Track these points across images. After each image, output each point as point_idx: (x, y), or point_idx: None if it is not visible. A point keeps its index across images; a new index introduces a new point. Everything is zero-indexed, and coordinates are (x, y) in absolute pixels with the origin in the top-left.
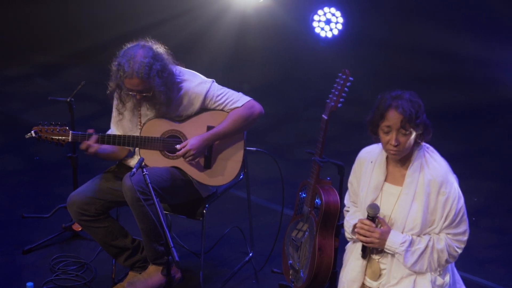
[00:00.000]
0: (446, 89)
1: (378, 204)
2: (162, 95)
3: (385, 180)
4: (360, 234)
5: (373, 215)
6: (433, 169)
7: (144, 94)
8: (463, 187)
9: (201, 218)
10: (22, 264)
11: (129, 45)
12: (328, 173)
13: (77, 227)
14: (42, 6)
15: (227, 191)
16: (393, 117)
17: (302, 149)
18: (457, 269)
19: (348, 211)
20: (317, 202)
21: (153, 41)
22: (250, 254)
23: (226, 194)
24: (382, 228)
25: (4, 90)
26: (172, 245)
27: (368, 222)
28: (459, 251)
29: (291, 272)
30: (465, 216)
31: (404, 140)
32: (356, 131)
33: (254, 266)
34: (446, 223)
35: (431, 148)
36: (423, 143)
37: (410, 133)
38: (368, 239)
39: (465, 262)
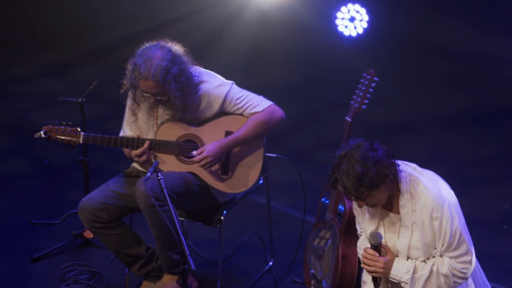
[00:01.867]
0: (475, 89)
1: (382, 233)
2: (178, 100)
3: (385, 208)
4: (365, 263)
5: (375, 244)
6: (421, 195)
7: (158, 98)
8: (493, 192)
9: (218, 225)
10: (31, 272)
11: (147, 44)
12: None
13: (88, 234)
14: (51, 4)
15: (246, 197)
16: (341, 190)
17: (324, 153)
18: (487, 279)
19: (361, 235)
20: (340, 208)
21: (172, 42)
22: (270, 263)
23: (245, 200)
24: (386, 257)
25: (13, 90)
26: (188, 254)
27: (371, 251)
28: (467, 271)
29: (313, 282)
30: (464, 236)
31: (367, 201)
32: (381, 134)
33: (274, 276)
34: (444, 246)
35: (414, 168)
36: (403, 165)
37: (370, 195)
38: (372, 268)
39: (495, 272)
